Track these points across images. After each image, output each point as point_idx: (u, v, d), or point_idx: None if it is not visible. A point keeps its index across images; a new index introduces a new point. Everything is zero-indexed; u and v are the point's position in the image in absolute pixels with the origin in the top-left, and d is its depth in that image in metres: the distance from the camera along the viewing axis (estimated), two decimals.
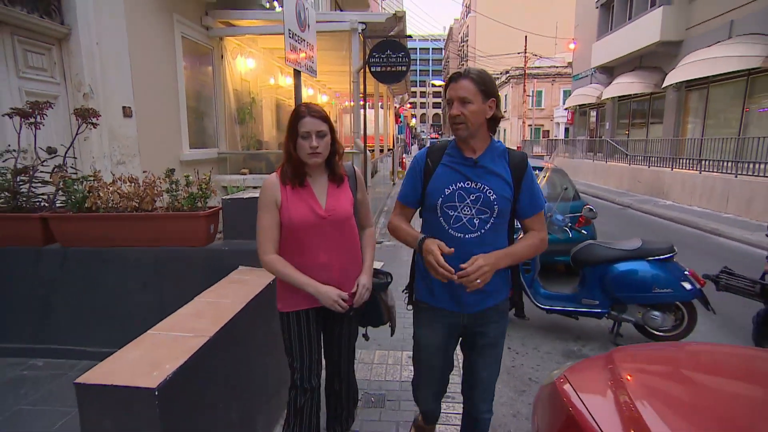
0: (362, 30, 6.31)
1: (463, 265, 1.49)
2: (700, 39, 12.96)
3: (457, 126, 1.56)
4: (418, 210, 1.77)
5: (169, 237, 2.50)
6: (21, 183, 2.71)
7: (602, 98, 18.66)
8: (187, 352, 1.52)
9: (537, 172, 4.65)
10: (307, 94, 12.48)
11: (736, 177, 9.19)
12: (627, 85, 16.39)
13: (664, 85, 13.95)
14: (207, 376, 1.63)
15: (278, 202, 1.70)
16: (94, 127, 2.98)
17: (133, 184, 2.62)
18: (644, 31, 14.91)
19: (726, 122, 12.58)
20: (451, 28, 70.65)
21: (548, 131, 33.71)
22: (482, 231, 1.60)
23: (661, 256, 3.44)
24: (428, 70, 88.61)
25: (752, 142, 9.51)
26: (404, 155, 22.15)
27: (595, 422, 1.42)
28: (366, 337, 2.05)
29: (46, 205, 2.73)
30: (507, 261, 1.58)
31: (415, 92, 68.13)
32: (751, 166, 9.01)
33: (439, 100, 73.76)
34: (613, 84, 17.55)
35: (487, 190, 1.58)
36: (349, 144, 9.48)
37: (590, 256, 3.65)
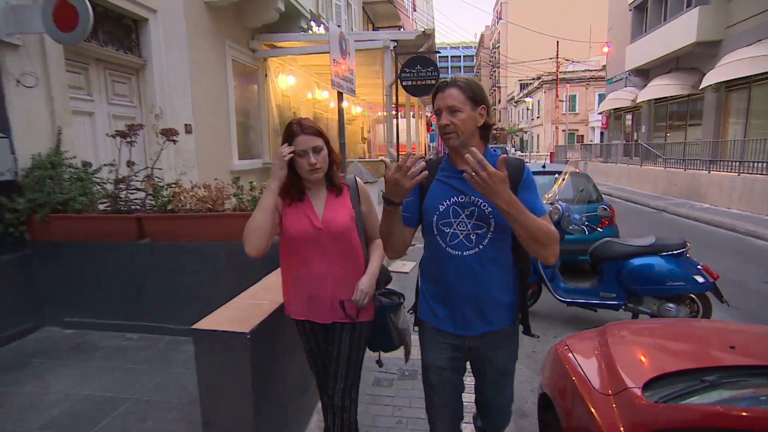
0: (394, 47, 6.83)
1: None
2: (739, 38, 12.68)
3: (447, 136, 1.50)
4: (420, 229, 1.68)
5: (236, 233, 3.00)
6: (120, 190, 3.34)
7: (637, 101, 18.37)
8: (264, 313, 2.00)
9: (556, 175, 5.01)
10: (343, 105, 13.15)
11: None
12: (663, 87, 16.12)
13: (702, 86, 13.69)
14: (278, 333, 2.11)
15: (279, 209, 1.72)
16: (175, 144, 3.59)
17: (206, 189, 3.19)
18: (680, 31, 14.68)
19: None
20: (482, 35, 70.56)
21: (582, 136, 33.09)
22: (480, 247, 1.51)
23: (674, 251, 3.69)
24: None
25: None
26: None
27: (581, 369, 1.80)
28: (379, 363, 1.94)
29: (139, 207, 3.35)
30: (519, 210, 1.34)
31: None
32: None
33: None
34: (648, 87, 17.27)
35: (481, 203, 1.50)
36: (383, 153, 9.96)
37: (607, 252, 3.94)
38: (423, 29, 6.51)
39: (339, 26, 3.34)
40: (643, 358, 1.71)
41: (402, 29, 18.59)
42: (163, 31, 5.01)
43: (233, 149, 6.76)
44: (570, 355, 1.97)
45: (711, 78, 12.91)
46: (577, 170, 4.84)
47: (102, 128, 4.40)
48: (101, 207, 3.46)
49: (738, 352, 1.62)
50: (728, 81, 12.79)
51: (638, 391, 1.42)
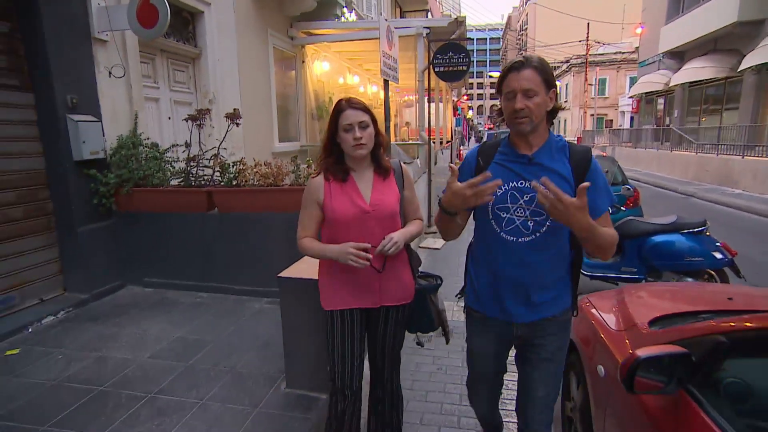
0: (427, 34, 7.06)
1: None
2: None
3: (520, 120, 1.42)
4: (472, 213, 1.62)
5: (294, 205, 3.43)
6: (191, 167, 3.82)
7: (671, 85, 17.91)
8: None
9: None
10: (372, 90, 13.44)
11: None
12: (698, 70, 15.68)
13: (741, 68, 13.31)
14: None
15: (320, 201, 1.69)
16: (238, 126, 4.04)
17: (268, 166, 3.63)
18: (720, 11, 14.21)
19: None
20: (509, 17, 68.79)
21: (612, 121, 32.31)
22: (537, 234, 1.46)
23: (694, 230, 3.93)
24: (485, 61, 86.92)
25: None
26: (461, 147, 22.59)
27: (601, 317, 2.15)
28: (420, 343, 1.98)
29: (208, 182, 3.82)
30: (594, 232, 1.34)
31: (472, 83, 67.30)
32: None
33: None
34: (683, 69, 16.80)
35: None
36: (414, 137, 10.23)
37: (629, 230, 4.20)
38: (455, 17, 6.72)
39: (386, 20, 3.65)
40: (651, 306, 2.04)
41: (429, 13, 18.58)
42: (216, 22, 5.43)
43: (275, 132, 7.20)
44: (592, 308, 2.32)
45: (752, 59, 12.54)
46: (604, 154, 5.06)
47: (165, 112, 4.89)
48: (174, 182, 3.95)
49: (734, 303, 1.93)
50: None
51: (645, 326, 1.76)
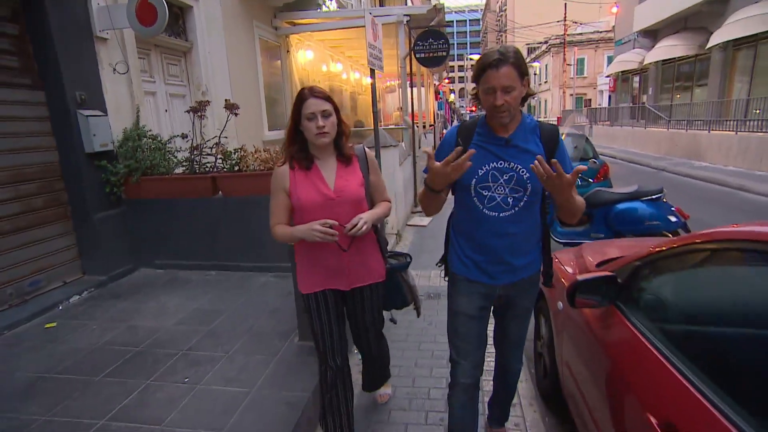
0: (407, 21, 7.35)
1: None
2: None
3: (501, 114, 1.53)
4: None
5: None
6: (195, 155, 4.11)
7: (645, 63, 18.48)
8: None
9: None
10: (354, 77, 13.65)
11: None
12: (670, 48, 16.24)
13: (709, 46, 13.87)
14: None
15: (286, 188, 1.74)
16: (236, 116, 4.32)
17: (267, 152, 3.94)
18: None
19: None
20: None
21: (590, 100, 32.98)
22: (516, 209, 1.61)
23: (653, 197, 4.40)
24: (466, 43, 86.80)
25: None
26: (444, 130, 22.98)
27: (563, 266, 2.57)
28: (393, 320, 2.11)
29: (212, 169, 4.13)
30: (573, 200, 1.53)
31: (453, 67, 67.34)
32: None
33: None
34: (656, 48, 17.37)
35: (520, 169, 1.58)
36: (396, 121, 10.56)
37: (597, 199, 4.65)
38: (434, 4, 7.01)
39: (370, 12, 3.93)
40: (601, 254, 2.47)
41: None
42: (205, 15, 5.64)
43: (264, 121, 7.45)
44: (557, 261, 2.75)
45: (718, 37, 13.09)
46: (579, 132, 5.49)
47: (162, 105, 5.14)
48: (178, 170, 4.24)
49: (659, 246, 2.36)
50: (735, 40, 12.98)
51: (593, 266, 2.18)
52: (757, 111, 10.95)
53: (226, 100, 6.23)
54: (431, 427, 2.24)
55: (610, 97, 26.22)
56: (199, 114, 4.13)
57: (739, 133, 10.63)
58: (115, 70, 4.03)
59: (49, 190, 3.68)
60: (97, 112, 3.81)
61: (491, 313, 1.87)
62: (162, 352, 2.70)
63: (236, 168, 4.01)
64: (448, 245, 1.83)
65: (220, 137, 4.17)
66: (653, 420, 1.22)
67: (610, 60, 28.14)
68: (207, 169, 4.14)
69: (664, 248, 1.66)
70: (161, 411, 2.13)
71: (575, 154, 5.46)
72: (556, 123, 26.62)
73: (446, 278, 1.84)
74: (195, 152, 4.11)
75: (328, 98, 1.69)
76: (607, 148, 17.20)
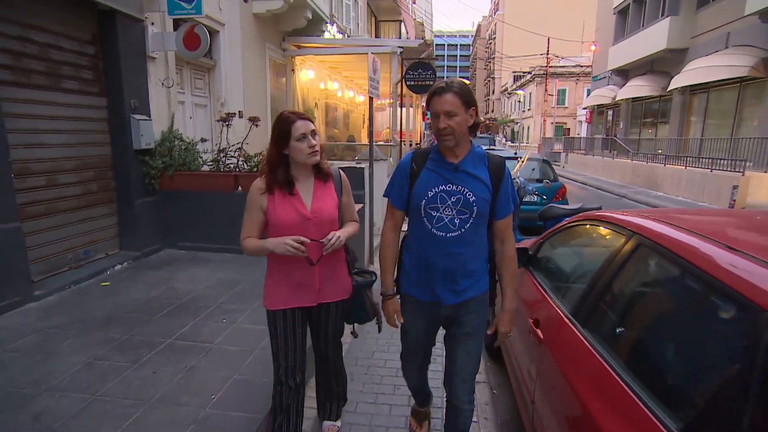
0: (400, 52, 8.42)
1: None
2: (702, 47, 14.39)
3: (444, 137, 1.65)
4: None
5: None
6: (221, 157, 4.98)
7: (617, 99, 20.10)
8: None
9: (519, 159, 6.72)
10: (348, 95, 14.69)
11: (711, 171, 10.85)
12: (638, 87, 17.85)
13: (669, 89, 15.44)
14: None
15: (263, 207, 1.78)
16: (257, 127, 5.21)
17: None
18: (654, 38, 16.36)
19: (724, 123, 14.04)
20: (479, 25, 71.47)
21: (569, 129, 34.84)
22: (462, 230, 1.70)
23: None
24: (456, 66, 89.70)
25: (726, 143, 11.11)
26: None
27: None
28: (354, 334, 2.16)
29: (235, 169, 4.99)
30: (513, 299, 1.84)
31: None
32: (719, 162, 10.71)
33: None
34: (626, 86, 18.98)
35: (467, 192, 1.67)
36: (384, 138, 11.59)
37: (549, 213, 5.67)
38: (424, 39, 8.10)
39: (371, 53, 4.87)
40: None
41: (403, 24, 19.97)
42: (228, 38, 6.57)
43: (269, 131, 8.32)
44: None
45: (676, 82, 14.64)
46: (539, 156, 6.53)
47: (188, 113, 6.00)
48: (205, 168, 5.10)
49: None
50: (692, 85, 14.54)
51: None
52: (660, 150, 12.54)
53: (240, 113, 7.15)
54: None
55: (588, 126, 27.98)
56: (226, 123, 5.02)
57: (687, 168, 11.98)
58: (163, 84, 4.90)
59: (102, 177, 4.49)
60: (144, 117, 4.66)
61: (444, 343, 1.95)
62: (200, 304, 3.53)
63: (255, 169, 4.89)
64: (399, 265, 1.90)
65: (242, 143, 5.05)
66: (531, 322, 2.14)
67: (589, 93, 30.07)
68: (230, 168, 5.01)
69: (555, 228, 2.62)
70: (210, 336, 2.98)
71: (533, 175, 6.50)
72: (537, 148, 28.17)
73: (398, 297, 1.91)
74: (221, 154, 4.98)
75: (311, 119, 1.79)
76: (579, 175, 18.59)
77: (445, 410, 1.96)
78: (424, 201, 1.71)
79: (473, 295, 1.79)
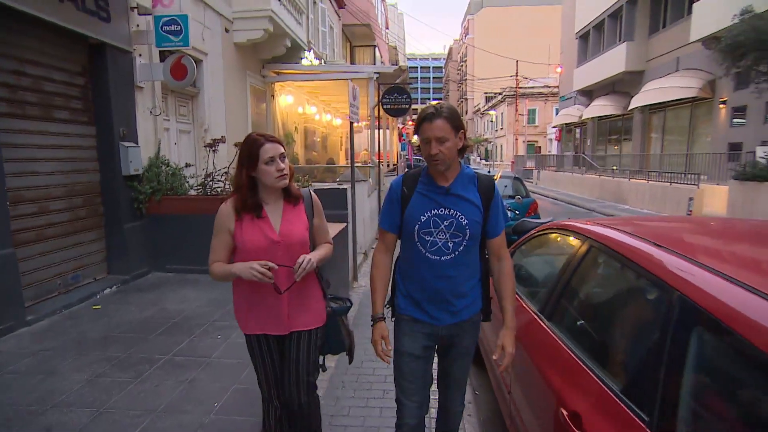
0: (377, 77, 8.83)
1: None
2: (656, 70, 15.48)
3: (435, 162, 1.64)
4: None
5: None
6: (208, 181, 5.15)
7: (583, 118, 21.18)
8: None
9: (495, 177, 7.11)
10: (326, 118, 15.05)
11: (670, 185, 11.59)
12: (602, 107, 18.91)
13: (630, 108, 16.45)
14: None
15: (231, 230, 1.75)
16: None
17: None
18: (613, 61, 17.48)
19: (680, 140, 15.04)
20: (450, 48, 74.00)
21: (540, 147, 36.19)
22: (456, 253, 1.69)
23: None
24: (429, 88, 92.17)
25: (681, 157, 11.93)
26: (407, 170, 24.64)
27: None
28: (323, 368, 1.98)
29: (221, 192, 5.16)
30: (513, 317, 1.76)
31: (416, 109, 71.03)
32: (677, 175, 11.49)
33: None
34: (591, 106, 20.06)
35: (459, 215, 1.68)
36: (362, 160, 11.94)
37: (522, 227, 6.02)
38: (399, 65, 8.54)
39: (350, 82, 5.19)
40: None
41: (377, 48, 20.67)
42: (211, 67, 6.81)
43: None
44: None
45: (635, 102, 15.64)
46: (511, 174, 6.94)
47: (173, 139, 6.16)
48: (191, 193, 5.25)
49: None
50: (651, 104, 15.56)
51: None
52: (615, 167, 13.34)
53: (223, 138, 7.33)
54: None
55: (558, 144, 29.18)
56: (213, 149, 5.21)
57: (650, 182, 12.74)
58: (151, 112, 5.08)
59: (91, 203, 4.59)
60: (133, 144, 4.81)
61: (435, 353, 1.91)
62: (194, 322, 3.66)
63: None
64: (394, 287, 1.88)
65: (229, 168, 5.24)
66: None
67: (557, 112, 31.48)
68: (217, 192, 5.18)
69: (524, 239, 2.92)
70: (207, 351, 3.12)
71: (505, 192, 6.90)
72: (510, 166, 29.14)
73: (393, 318, 1.87)
74: (208, 179, 5.15)
75: (281, 142, 1.74)
76: (551, 191, 19.34)
77: (437, 410, 2.00)
78: (417, 226, 1.70)
79: (469, 315, 1.79)
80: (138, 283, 4.77)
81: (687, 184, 11.02)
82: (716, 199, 10.13)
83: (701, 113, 13.94)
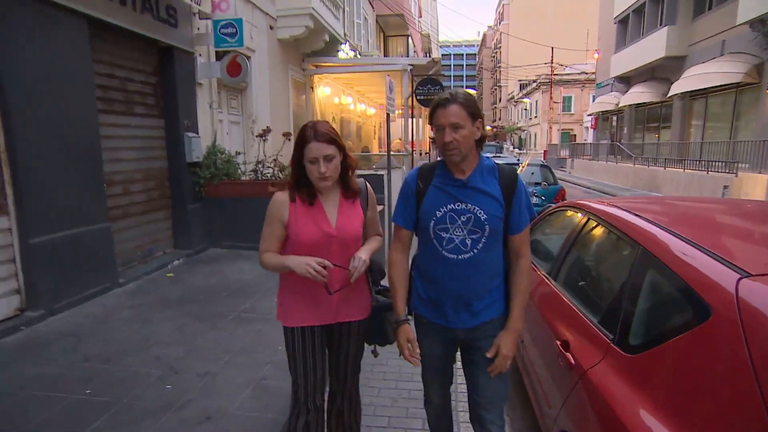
0: (410, 69, 9.21)
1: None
2: (699, 54, 14.98)
3: (450, 152, 1.55)
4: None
5: None
6: (260, 168, 5.76)
7: (620, 105, 20.69)
8: None
9: (522, 164, 7.41)
10: (360, 108, 15.54)
11: (707, 173, 11.41)
12: (640, 94, 18.43)
13: (669, 95, 16.02)
14: None
15: (284, 220, 1.68)
16: (290, 141, 5.99)
17: None
18: (653, 46, 16.98)
19: (723, 127, 14.58)
20: (484, 35, 72.52)
21: (575, 135, 35.35)
22: (475, 251, 1.59)
23: None
24: (462, 75, 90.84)
25: (725, 146, 11.67)
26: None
27: None
28: (375, 353, 1.98)
29: (272, 177, 5.76)
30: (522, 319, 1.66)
31: None
32: (715, 164, 11.29)
33: None
34: (629, 93, 19.57)
35: (477, 210, 1.57)
36: (396, 148, 12.39)
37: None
38: (432, 57, 8.87)
39: (389, 79, 5.62)
40: None
41: (410, 38, 20.87)
42: (257, 63, 7.41)
43: (292, 144, 9.14)
44: None
45: (675, 88, 15.22)
46: (539, 161, 7.23)
47: (225, 130, 6.82)
48: (244, 178, 5.88)
49: None
50: (691, 90, 15.11)
51: None
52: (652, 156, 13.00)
53: (269, 128, 7.95)
54: None
55: (594, 132, 28.52)
56: (264, 138, 5.81)
57: (686, 170, 12.53)
58: (210, 106, 5.72)
59: (161, 187, 5.29)
60: (195, 134, 5.46)
61: (463, 371, 1.83)
62: (253, 288, 4.27)
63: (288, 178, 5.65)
64: (411, 286, 1.79)
65: (277, 155, 5.83)
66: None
67: (594, 99, 30.65)
68: (267, 177, 5.78)
69: (542, 215, 3.31)
70: (269, 310, 3.70)
71: (532, 179, 7.19)
72: (542, 155, 28.78)
73: (411, 317, 1.80)
74: (259, 165, 5.76)
75: (331, 140, 1.60)
76: (584, 180, 19.16)
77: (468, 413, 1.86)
78: (432, 221, 1.61)
79: (489, 318, 1.66)
80: (200, 257, 5.46)
81: (725, 172, 10.84)
82: (756, 188, 9.94)
83: (746, 99, 13.45)
